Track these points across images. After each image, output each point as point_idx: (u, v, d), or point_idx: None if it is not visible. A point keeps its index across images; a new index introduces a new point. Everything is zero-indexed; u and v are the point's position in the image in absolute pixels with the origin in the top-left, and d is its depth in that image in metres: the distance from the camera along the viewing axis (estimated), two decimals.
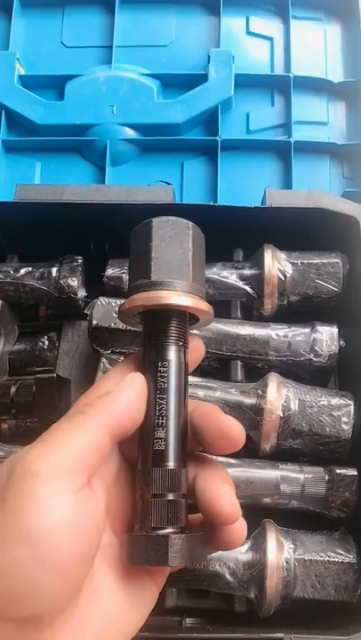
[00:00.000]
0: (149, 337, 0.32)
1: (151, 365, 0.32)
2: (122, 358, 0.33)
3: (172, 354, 0.32)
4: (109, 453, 0.30)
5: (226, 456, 0.45)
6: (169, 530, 0.29)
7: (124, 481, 0.32)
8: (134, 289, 0.32)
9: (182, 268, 0.32)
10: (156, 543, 0.28)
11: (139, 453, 0.32)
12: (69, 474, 0.27)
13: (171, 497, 0.30)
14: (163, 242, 0.32)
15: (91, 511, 0.28)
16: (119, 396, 0.30)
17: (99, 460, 0.29)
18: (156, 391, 0.31)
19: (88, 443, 0.28)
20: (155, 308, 0.31)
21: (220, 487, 0.31)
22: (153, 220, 0.33)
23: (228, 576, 0.41)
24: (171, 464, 0.31)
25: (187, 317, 0.33)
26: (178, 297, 0.31)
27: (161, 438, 0.31)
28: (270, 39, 0.67)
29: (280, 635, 0.37)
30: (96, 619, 0.29)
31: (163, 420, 0.31)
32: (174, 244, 0.32)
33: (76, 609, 0.28)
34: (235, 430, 0.31)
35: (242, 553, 0.42)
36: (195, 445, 0.33)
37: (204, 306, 0.32)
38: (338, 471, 0.44)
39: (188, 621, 0.42)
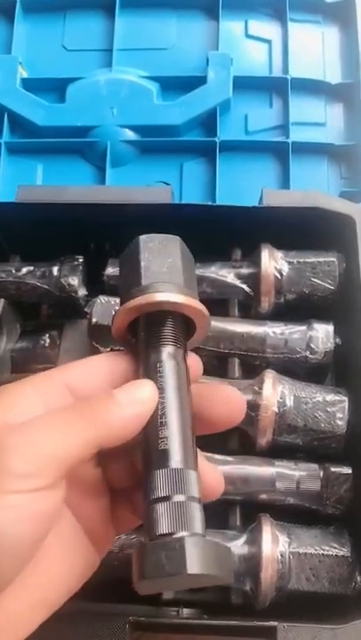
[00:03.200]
0: (145, 342, 0.31)
1: (148, 367, 0.30)
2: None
3: (169, 354, 0.31)
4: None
5: (223, 454, 0.46)
6: (183, 534, 0.25)
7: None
8: (125, 299, 0.31)
9: (174, 275, 0.31)
10: (170, 549, 0.24)
11: (141, 458, 0.29)
12: (40, 475, 0.26)
13: (181, 499, 0.27)
14: (151, 254, 0.32)
15: (49, 505, 0.27)
16: (123, 409, 0.28)
17: (75, 466, 0.27)
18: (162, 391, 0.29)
19: (72, 451, 0.26)
20: (150, 309, 0.30)
21: (201, 459, 0.30)
22: (140, 236, 0.33)
23: None
24: (177, 463, 0.28)
25: (181, 319, 0.32)
26: (172, 294, 0.30)
27: (165, 437, 0.28)
28: (269, 42, 0.68)
29: (274, 623, 0.37)
30: (32, 580, 0.28)
31: (164, 418, 0.29)
32: (163, 255, 0.32)
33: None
34: (234, 393, 0.31)
35: (238, 546, 0.43)
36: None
37: (198, 305, 0.31)
38: (332, 469, 0.45)
39: (185, 612, 0.43)
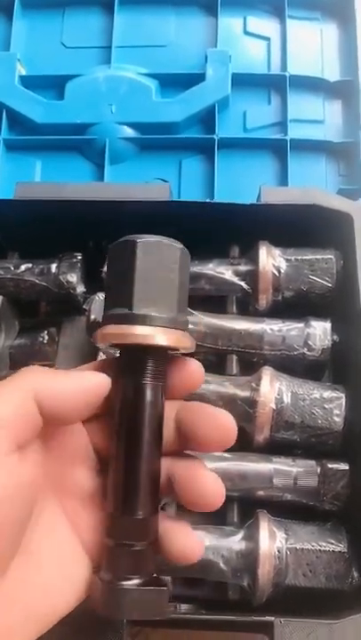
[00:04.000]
0: (126, 369, 0.31)
1: (124, 400, 0.31)
2: (118, 352, 0.32)
3: (148, 392, 0.30)
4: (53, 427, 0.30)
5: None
6: (134, 581, 0.29)
7: (83, 458, 0.32)
8: (113, 318, 0.30)
9: (167, 299, 0.30)
10: (117, 595, 0.29)
11: (107, 494, 0.31)
12: None
13: (138, 547, 0.30)
14: (148, 266, 0.30)
15: (17, 478, 0.27)
16: (57, 373, 0.29)
17: (24, 425, 0.28)
18: (127, 431, 0.30)
19: (10, 407, 0.27)
20: (133, 342, 0.30)
21: (202, 468, 0.31)
22: (138, 240, 0.30)
23: (221, 564, 0.42)
24: (140, 513, 0.30)
25: (166, 353, 0.32)
26: (160, 336, 0.29)
27: (130, 484, 0.30)
28: (267, 39, 0.67)
29: (270, 618, 0.38)
30: (25, 593, 0.29)
31: (132, 463, 0.30)
32: (160, 270, 0.30)
33: (4, 580, 0.28)
34: (227, 420, 0.31)
35: (235, 542, 0.43)
36: (180, 446, 0.32)
37: (186, 342, 0.31)
38: (330, 465, 0.45)
39: (183, 608, 0.43)
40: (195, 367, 0.33)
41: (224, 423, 0.31)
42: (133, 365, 0.31)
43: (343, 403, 0.45)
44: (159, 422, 0.31)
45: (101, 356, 0.49)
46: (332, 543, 0.43)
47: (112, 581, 0.29)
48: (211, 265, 0.52)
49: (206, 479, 0.31)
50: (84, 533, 0.32)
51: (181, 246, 0.32)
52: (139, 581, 0.29)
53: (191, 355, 0.47)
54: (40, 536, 0.30)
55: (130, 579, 0.29)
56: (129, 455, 0.30)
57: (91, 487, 0.32)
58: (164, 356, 0.31)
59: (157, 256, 0.30)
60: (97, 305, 0.50)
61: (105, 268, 0.51)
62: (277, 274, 0.50)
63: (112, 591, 0.29)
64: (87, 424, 0.32)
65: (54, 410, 0.29)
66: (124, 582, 0.29)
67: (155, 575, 0.30)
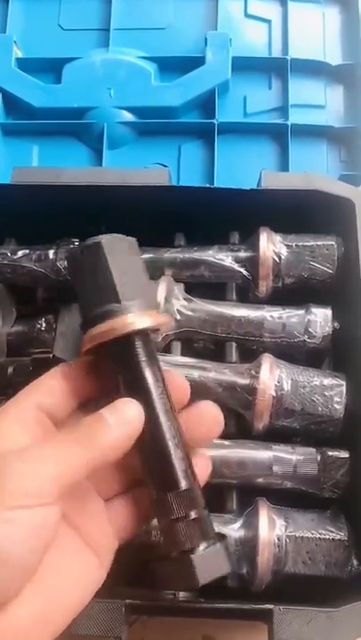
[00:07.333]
0: (123, 360, 0.33)
1: (132, 387, 0.32)
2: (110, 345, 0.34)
3: (152, 375, 0.33)
4: None
5: (219, 437, 0.46)
6: (201, 547, 0.31)
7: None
8: (100, 317, 0.32)
9: (140, 284, 0.33)
10: (191, 566, 0.30)
11: (147, 478, 0.33)
12: (39, 495, 0.28)
13: (193, 515, 0.31)
14: (120, 262, 0.33)
15: (47, 520, 0.28)
16: (113, 431, 0.30)
17: (71, 486, 0.29)
18: (149, 415, 0.32)
19: (68, 474, 0.29)
20: (131, 330, 0.32)
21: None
22: (101, 241, 0.33)
23: None
24: (183, 484, 0.31)
25: (154, 334, 0.35)
26: (146, 318, 0.32)
27: (163, 462, 0.32)
28: (268, 22, 0.66)
29: (270, 606, 0.38)
30: (35, 600, 0.29)
31: (157, 442, 0.32)
32: (129, 262, 0.33)
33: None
34: (210, 409, 0.34)
35: (234, 530, 0.43)
36: None
37: (166, 318, 0.34)
38: (330, 453, 0.45)
39: (182, 595, 0.43)
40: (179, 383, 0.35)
41: (208, 412, 0.34)
42: (130, 350, 0.33)
43: (344, 390, 0.45)
44: (167, 394, 0.33)
45: None
46: (331, 531, 0.42)
47: (181, 556, 0.31)
48: (210, 251, 0.51)
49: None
50: (87, 535, 0.33)
51: (132, 238, 0.35)
52: (205, 545, 0.31)
53: (191, 342, 0.47)
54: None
55: (196, 546, 0.31)
56: (152, 435, 0.32)
57: (87, 490, 0.33)
58: (151, 337, 0.34)
59: (123, 250, 0.33)
60: None
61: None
62: (278, 260, 0.49)
63: (185, 565, 0.30)
64: None
65: (105, 464, 0.30)
66: (193, 553, 0.31)
67: (215, 533, 0.32)
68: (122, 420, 0.31)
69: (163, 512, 0.32)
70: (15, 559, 0.27)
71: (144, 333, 0.33)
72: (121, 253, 0.33)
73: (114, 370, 0.34)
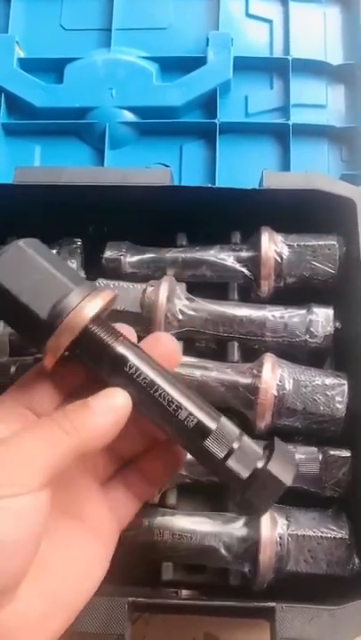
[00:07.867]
0: (95, 347, 0.32)
1: (114, 369, 0.32)
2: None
3: (126, 348, 0.32)
4: None
5: None
6: (263, 462, 0.31)
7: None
8: (54, 316, 0.31)
9: (72, 272, 0.33)
10: (268, 479, 0.31)
11: (176, 439, 0.33)
12: (25, 483, 0.28)
13: (236, 445, 0.31)
14: (48, 257, 0.33)
15: (37, 506, 0.28)
16: (99, 418, 0.30)
17: (58, 473, 0.29)
18: (147, 387, 0.31)
19: (53, 461, 0.28)
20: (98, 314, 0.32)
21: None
22: (20, 244, 0.33)
23: (223, 550, 0.42)
24: (213, 425, 0.31)
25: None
26: (103, 293, 0.32)
27: (186, 415, 0.31)
28: (270, 22, 0.67)
29: (272, 604, 0.38)
30: (48, 586, 0.29)
31: (173, 402, 0.31)
32: (52, 256, 0.33)
33: (29, 571, 0.29)
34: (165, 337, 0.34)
35: (237, 528, 0.43)
36: None
37: (112, 294, 0.34)
38: (331, 452, 0.45)
39: (184, 593, 0.43)
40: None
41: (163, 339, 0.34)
42: (98, 334, 0.32)
43: (345, 389, 0.45)
44: (152, 360, 0.33)
45: None
46: (333, 530, 0.43)
47: (251, 478, 0.31)
48: (212, 251, 0.51)
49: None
50: (88, 519, 0.33)
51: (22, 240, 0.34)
52: (264, 461, 0.31)
53: (193, 342, 0.47)
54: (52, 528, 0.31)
55: (258, 464, 0.31)
56: (160, 394, 0.32)
57: (82, 474, 0.33)
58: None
59: (40, 248, 0.33)
60: None
61: (105, 255, 0.52)
62: (279, 260, 0.50)
63: (262, 481, 0.31)
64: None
65: (92, 451, 0.30)
66: (260, 471, 0.31)
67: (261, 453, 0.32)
68: (108, 407, 0.31)
69: (209, 460, 0.32)
70: (8, 547, 0.27)
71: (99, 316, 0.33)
72: (40, 249, 0.33)
73: (90, 359, 0.33)
